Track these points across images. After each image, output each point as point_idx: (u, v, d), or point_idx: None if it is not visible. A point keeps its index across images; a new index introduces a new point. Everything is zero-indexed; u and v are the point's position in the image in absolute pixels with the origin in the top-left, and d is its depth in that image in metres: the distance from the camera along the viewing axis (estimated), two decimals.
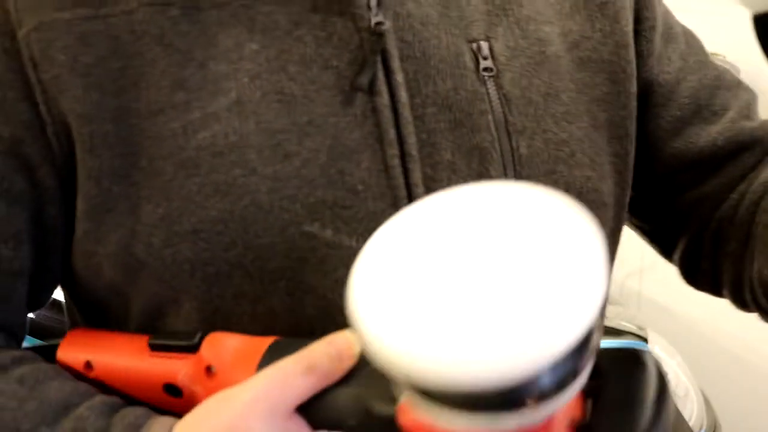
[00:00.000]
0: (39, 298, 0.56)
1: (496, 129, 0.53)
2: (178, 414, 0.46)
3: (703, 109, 0.63)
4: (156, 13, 0.49)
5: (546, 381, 0.34)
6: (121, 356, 0.52)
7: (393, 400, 0.41)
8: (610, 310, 1.66)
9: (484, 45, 0.54)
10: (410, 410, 0.40)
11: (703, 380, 1.67)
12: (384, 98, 0.50)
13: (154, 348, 0.50)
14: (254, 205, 0.48)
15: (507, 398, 0.34)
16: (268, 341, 0.47)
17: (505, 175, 0.53)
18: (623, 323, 1.60)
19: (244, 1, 0.50)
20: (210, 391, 0.46)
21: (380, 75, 0.50)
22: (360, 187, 0.49)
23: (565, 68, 0.57)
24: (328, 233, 0.49)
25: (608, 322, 1.59)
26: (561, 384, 0.34)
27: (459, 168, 0.52)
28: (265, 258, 0.49)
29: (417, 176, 0.51)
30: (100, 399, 0.48)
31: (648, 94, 0.62)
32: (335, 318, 0.48)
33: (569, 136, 0.55)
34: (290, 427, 0.43)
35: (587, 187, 0.56)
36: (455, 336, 0.33)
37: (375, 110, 0.50)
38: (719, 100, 0.63)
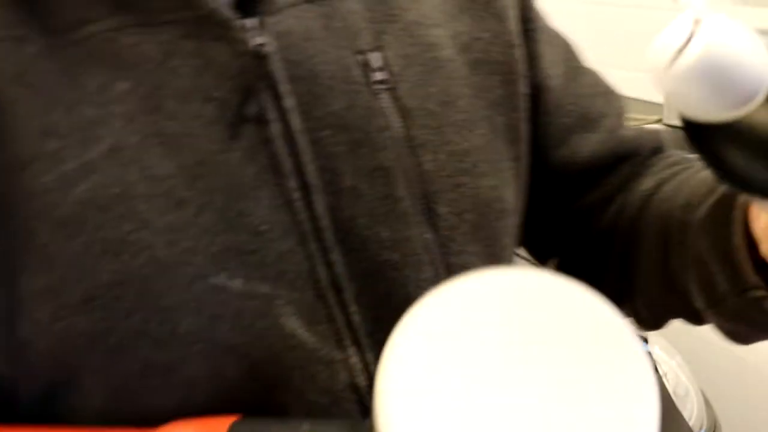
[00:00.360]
0: None
1: (397, 146, 0.50)
2: None
3: (584, 117, 0.62)
4: (11, 49, 0.44)
5: None
6: None
7: None
8: None
9: (375, 56, 0.51)
10: None
11: (703, 380, 1.67)
12: (275, 127, 0.47)
13: None
14: (152, 262, 0.44)
15: None
16: (223, 429, 0.41)
17: (410, 194, 0.50)
18: None
19: (105, 35, 0.45)
20: None
21: (268, 102, 0.47)
22: (263, 228, 0.46)
23: (459, 72, 0.55)
24: (238, 283, 0.45)
25: None
26: None
27: (363, 192, 0.49)
28: (173, 321, 0.44)
29: (321, 207, 0.48)
30: None
31: (537, 98, 0.61)
32: (260, 380, 0.45)
33: (471, 146, 0.54)
34: None
35: (492, 197, 0.55)
36: None
37: (267, 141, 0.47)
38: (597, 107, 0.63)
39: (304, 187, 0.47)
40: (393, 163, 0.50)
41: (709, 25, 0.31)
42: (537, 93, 0.61)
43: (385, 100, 0.51)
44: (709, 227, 0.48)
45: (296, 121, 0.47)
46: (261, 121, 0.47)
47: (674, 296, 0.55)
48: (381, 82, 0.51)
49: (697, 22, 0.31)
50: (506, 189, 0.56)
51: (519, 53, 0.58)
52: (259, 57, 0.46)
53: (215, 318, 0.45)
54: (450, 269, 0.51)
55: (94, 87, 0.45)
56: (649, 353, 1.57)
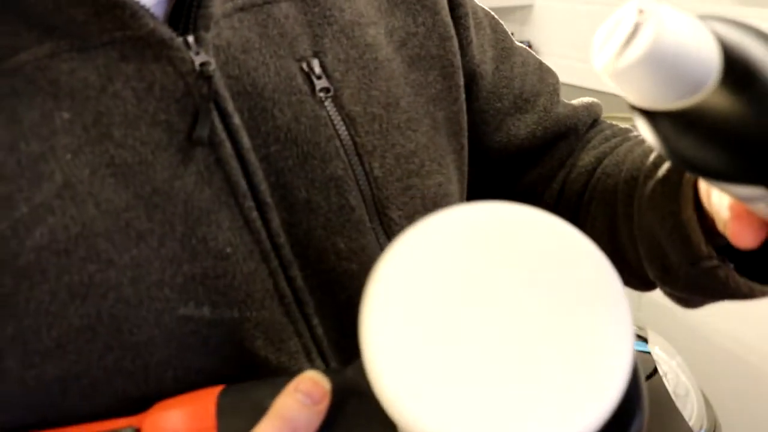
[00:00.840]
0: None
1: (346, 154, 0.49)
2: None
3: (518, 99, 0.62)
4: None
5: None
6: None
7: None
8: None
9: (314, 62, 0.49)
10: None
11: (703, 380, 1.67)
12: (227, 147, 0.45)
13: None
14: (120, 301, 0.42)
15: None
16: (211, 401, 0.42)
17: (363, 202, 0.50)
18: None
19: (38, 63, 0.41)
20: None
21: (217, 122, 0.45)
22: (228, 250, 0.45)
23: (398, 71, 0.54)
24: (206, 311, 0.44)
25: None
26: None
27: (317, 205, 0.48)
28: (146, 354, 0.43)
29: (275, 225, 0.47)
30: None
31: (470, 85, 0.60)
32: None
33: (416, 146, 0.53)
34: None
35: (440, 194, 0.54)
36: (494, 418, 0.32)
37: (220, 162, 0.45)
38: (529, 87, 0.63)
39: (260, 206, 0.46)
40: (344, 173, 0.49)
41: (655, 16, 0.31)
42: (470, 80, 0.60)
43: (329, 108, 0.49)
44: (658, 202, 0.48)
45: (245, 140, 0.46)
46: (212, 142, 0.45)
47: (625, 266, 0.55)
48: (323, 90, 0.49)
49: (641, 12, 0.31)
50: (451, 184, 0.56)
51: (454, 44, 0.57)
52: (204, 77, 0.44)
53: (185, 347, 0.44)
54: None
55: (34, 120, 0.41)
56: (649, 353, 1.57)
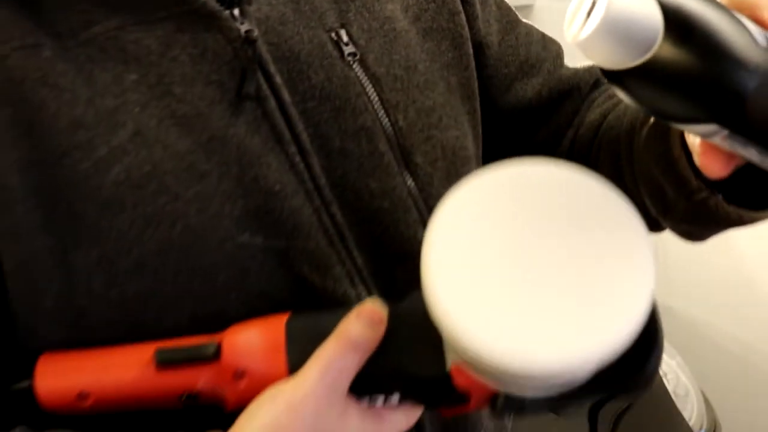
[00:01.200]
0: None
1: (374, 108, 0.56)
2: (196, 410, 0.48)
3: (524, 65, 0.69)
4: (30, 55, 0.48)
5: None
6: (123, 381, 0.48)
7: (438, 362, 0.46)
8: None
9: (342, 32, 0.57)
10: (465, 372, 0.45)
11: (703, 380, 1.67)
12: (271, 102, 0.52)
13: (163, 364, 0.48)
14: (188, 229, 0.49)
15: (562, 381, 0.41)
16: (280, 325, 0.48)
17: (390, 149, 0.56)
18: None
19: (108, 34, 0.49)
20: (241, 393, 0.47)
21: (261, 80, 0.52)
22: (277, 188, 0.51)
23: (414, 41, 0.61)
24: (259, 240, 0.51)
25: None
26: None
27: (350, 151, 0.55)
28: (212, 276, 0.49)
29: (316, 169, 0.53)
30: None
31: (478, 55, 0.67)
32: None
33: (434, 103, 0.60)
34: (347, 409, 0.46)
35: (458, 146, 0.61)
36: (542, 337, 0.38)
37: (266, 115, 0.52)
38: (534, 54, 0.70)
39: (302, 152, 0.53)
40: (372, 124, 0.56)
41: None
42: (477, 51, 0.67)
43: (357, 69, 0.56)
44: (651, 145, 0.54)
45: (286, 96, 0.53)
46: (259, 97, 0.52)
47: None
48: (350, 54, 0.57)
49: None
50: (467, 139, 0.63)
51: (462, 18, 0.64)
52: (249, 42, 0.51)
53: (245, 271, 0.50)
54: (431, 210, 0.58)
55: (107, 81, 0.49)
56: None
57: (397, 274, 0.56)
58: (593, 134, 0.66)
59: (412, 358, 0.47)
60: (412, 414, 0.50)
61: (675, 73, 0.37)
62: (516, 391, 0.45)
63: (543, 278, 0.40)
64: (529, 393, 0.45)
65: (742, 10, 0.39)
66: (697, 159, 0.46)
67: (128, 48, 0.49)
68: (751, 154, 0.41)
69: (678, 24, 0.37)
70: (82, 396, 0.48)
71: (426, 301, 0.41)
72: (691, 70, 0.37)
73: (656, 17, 0.37)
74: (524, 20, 0.72)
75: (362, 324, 0.46)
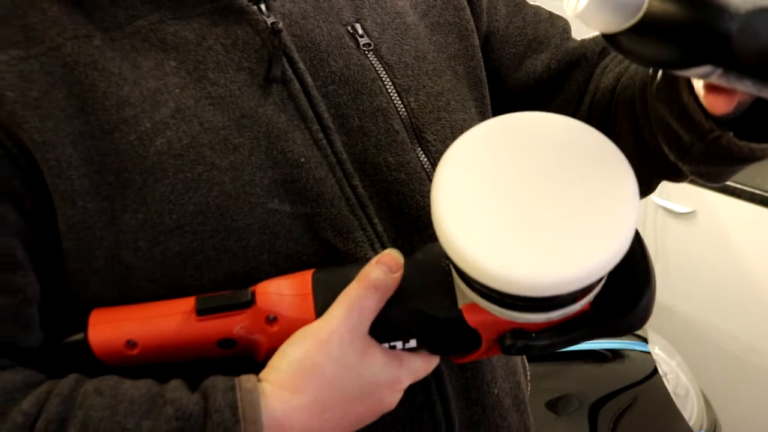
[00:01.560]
0: (48, 323, 0.57)
1: (388, 92, 0.62)
2: (233, 360, 0.53)
3: (532, 42, 0.74)
4: (82, 44, 0.54)
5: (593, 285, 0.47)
6: (167, 329, 0.53)
7: (450, 303, 0.52)
8: None
9: (357, 26, 0.63)
10: (475, 310, 0.51)
11: (703, 380, 1.67)
12: (296, 85, 0.58)
13: (203, 313, 0.52)
14: (223, 194, 0.54)
15: (557, 301, 0.47)
16: (307, 276, 0.54)
17: (404, 127, 0.62)
18: None
19: (150, 26, 0.56)
20: (273, 336, 0.52)
21: (287, 66, 0.58)
22: (302, 160, 0.57)
23: (423, 33, 0.67)
24: (287, 207, 0.56)
25: None
26: (587, 290, 0.48)
27: (369, 129, 0.60)
28: (245, 237, 0.55)
29: (338, 145, 0.58)
30: (176, 381, 0.51)
31: (488, 42, 0.73)
32: None
33: (442, 88, 0.66)
34: (369, 348, 0.52)
35: (465, 127, 0.64)
36: (540, 256, 0.44)
37: (291, 96, 0.58)
38: (542, 31, 0.75)
39: (324, 130, 0.58)
40: (387, 105, 0.61)
41: None
42: (486, 37, 0.73)
43: (372, 58, 0.62)
44: (663, 95, 0.59)
45: (309, 80, 0.58)
46: (285, 81, 0.58)
47: (652, 159, 0.67)
48: (366, 45, 0.63)
49: None
50: (474, 122, 0.66)
51: (467, 12, 0.70)
52: (274, 32, 0.57)
53: (275, 234, 0.55)
54: None
55: (150, 66, 0.55)
56: (649, 353, 1.57)
57: (414, 242, 0.61)
58: (609, 97, 0.71)
59: (427, 301, 0.52)
60: (429, 360, 0.55)
61: (665, 25, 0.42)
62: (520, 319, 0.49)
63: (540, 208, 0.46)
64: (532, 319, 0.49)
65: None
66: (704, 100, 0.52)
67: (168, 39, 0.56)
68: (747, 86, 0.45)
69: None
70: (130, 344, 0.53)
71: (436, 231, 0.46)
72: (678, 20, 0.42)
73: None
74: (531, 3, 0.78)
75: (382, 269, 0.52)
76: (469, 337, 0.52)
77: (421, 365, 0.54)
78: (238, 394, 0.49)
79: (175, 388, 0.50)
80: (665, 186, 2.03)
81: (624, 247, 0.45)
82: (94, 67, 0.54)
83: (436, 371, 0.59)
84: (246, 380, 0.50)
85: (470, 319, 0.51)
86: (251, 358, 0.54)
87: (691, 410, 1.54)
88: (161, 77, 0.55)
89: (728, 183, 1.75)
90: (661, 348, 1.64)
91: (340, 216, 0.58)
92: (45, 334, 0.55)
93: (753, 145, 0.55)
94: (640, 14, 0.42)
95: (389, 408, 0.54)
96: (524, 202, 0.46)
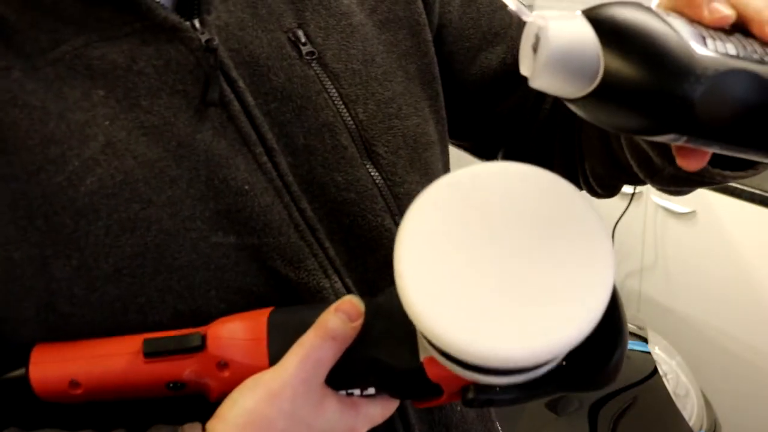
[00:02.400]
0: None
1: (334, 104, 0.58)
2: (181, 400, 0.50)
3: (487, 35, 0.70)
4: (0, 78, 0.50)
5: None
6: (112, 370, 0.50)
7: (411, 355, 0.49)
8: None
9: (299, 32, 0.59)
10: (437, 364, 0.48)
11: (703, 380, 1.67)
12: (236, 105, 0.54)
13: (151, 356, 0.50)
14: (162, 232, 0.51)
15: (524, 369, 0.44)
16: (263, 318, 0.51)
17: (353, 141, 0.59)
18: None
19: (75, 51, 0.51)
20: (224, 381, 0.50)
21: (225, 86, 0.54)
22: (246, 188, 0.53)
23: (371, 33, 0.63)
24: (233, 238, 0.53)
25: None
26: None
27: (314, 148, 0.57)
28: (189, 276, 0.52)
29: (284, 167, 0.55)
30: None
31: (440, 35, 0.69)
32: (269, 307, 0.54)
33: (393, 93, 0.62)
34: (324, 399, 0.49)
35: (419, 133, 0.63)
36: (506, 329, 0.41)
37: (231, 118, 0.54)
38: (498, 22, 0.71)
39: (269, 152, 0.55)
40: (334, 119, 0.58)
41: (545, 29, 0.39)
42: (438, 30, 0.69)
43: (316, 67, 0.58)
44: None
45: (250, 99, 0.55)
46: (223, 102, 0.54)
47: (619, 171, 0.65)
48: (309, 54, 0.59)
49: (538, 26, 0.40)
50: (428, 125, 0.64)
51: (419, 6, 0.66)
52: (210, 50, 0.53)
53: (221, 269, 0.52)
54: (397, 198, 0.60)
55: (77, 96, 0.51)
56: (649, 353, 1.57)
57: (369, 264, 0.58)
58: None
59: (387, 351, 0.49)
60: (388, 406, 0.52)
61: (622, 93, 0.39)
62: (483, 381, 0.47)
63: (506, 274, 0.43)
64: (495, 382, 0.47)
65: (677, 9, 0.42)
66: (675, 157, 0.48)
67: (94, 64, 0.51)
68: (717, 148, 0.42)
69: (615, 52, 0.39)
70: (73, 384, 0.50)
71: (399, 296, 0.43)
72: (637, 89, 0.39)
73: (595, 45, 0.39)
74: None
75: (340, 317, 0.49)
76: (430, 389, 0.49)
77: (380, 412, 0.52)
78: None
79: None
80: None
81: (595, 321, 0.42)
82: (14, 104, 0.49)
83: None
84: (190, 430, 0.48)
85: (431, 373, 0.48)
86: (202, 397, 0.52)
87: (691, 410, 1.54)
88: (89, 108, 0.51)
89: (728, 183, 1.75)
90: (661, 348, 1.64)
91: (289, 244, 0.54)
92: None
93: (726, 173, 0.53)
94: (597, 81, 0.39)
95: None
96: (491, 266, 0.43)
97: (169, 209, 0.51)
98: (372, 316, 0.50)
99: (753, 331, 1.82)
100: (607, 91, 0.39)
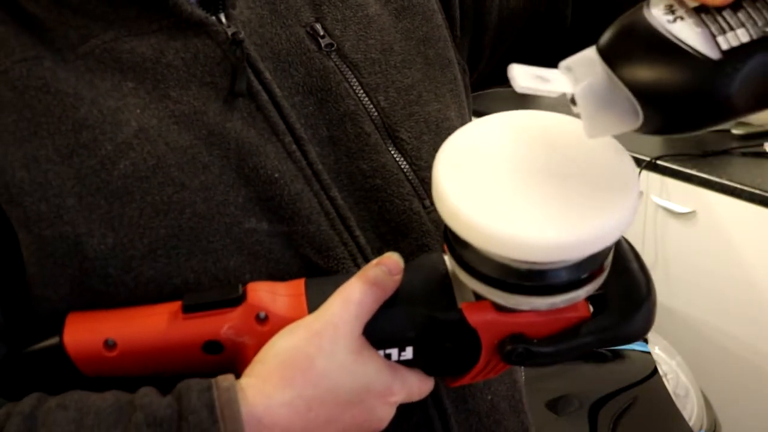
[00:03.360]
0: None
1: (355, 93, 0.60)
2: (219, 373, 0.49)
3: None
4: (31, 66, 0.51)
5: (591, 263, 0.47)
6: (149, 328, 0.50)
7: (449, 303, 0.51)
8: None
9: (317, 26, 0.60)
10: (474, 308, 0.50)
11: (703, 380, 1.67)
12: (263, 96, 0.55)
13: (190, 310, 0.50)
14: (196, 215, 0.52)
15: (560, 280, 0.47)
16: (300, 282, 0.52)
17: (376, 129, 0.60)
18: None
19: (104, 45, 0.52)
20: (262, 337, 0.49)
21: (253, 77, 0.55)
22: (276, 175, 0.54)
23: (387, 23, 0.64)
24: (265, 225, 0.54)
25: None
26: (589, 277, 0.48)
27: (338, 138, 0.58)
28: (224, 259, 0.52)
29: (313, 156, 0.56)
30: (147, 388, 0.48)
31: (454, 16, 0.71)
32: None
33: (412, 80, 0.63)
34: (364, 349, 0.49)
35: (440, 118, 0.64)
36: (545, 219, 0.44)
37: (259, 108, 0.55)
38: None
39: (298, 141, 0.56)
40: (355, 107, 0.59)
41: (576, 73, 0.44)
42: (452, 13, 0.70)
43: (335, 59, 0.60)
44: None
45: (277, 90, 0.56)
46: (251, 93, 0.55)
47: None
48: (327, 46, 0.60)
49: (568, 69, 0.44)
50: (449, 110, 0.65)
51: None
52: (236, 42, 0.54)
53: (254, 254, 0.53)
54: (423, 182, 0.60)
55: (107, 87, 0.52)
56: (649, 353, 1.57)
57: (401, 249, 0.57)
58: None
59: (425, 302, 0.51)
60: (424, 380, 0.52)
61: (670, 120, 0.43)
62: (522, 304, 0.48)
63: (540, 179, 0.46)
64: (533, 303, 0.48)
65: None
66: None
67: (124, 57, 0.52)
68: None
69: (644, 100, 0.42)
70: (109, 345, 0.49)
71: (438, 206, 0.47)
72: (678, 112, 0.42)
73: (624, 95, 0.42)
74: None
75: (382, 269, 0.50)
76: (469, 344, 0.50)
77: (416, 382, 0.52)
78: (215, 393, 0.46)
79: (145, 394, 0.47)
80: (665, 186, 2.03)
81: (629, 216, 0.45)
82: (46, 90, 0.51)
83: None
84: (223, 379, 0.47)
85: (470, 317, 0.50)
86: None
87: (691, 410, 1.54)
88: (120, 98, 0.52)
89: (728, 183, 1.75)
90: (661, 348, 1.64)
91: (319, 232, 0.55)
92: (8, 347, 0.52)
93: None
94: (640, 117, 0.42)
95: (379, 425, 0.51)
96: (526, 175, 0.46)
97: (203, 194, 0.52)
98: (409, 274, 0.52)
99: (753, 331, 1.82)
100: (655, 120, 0.42)
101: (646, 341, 1.60)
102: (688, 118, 0.42)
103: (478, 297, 0.51)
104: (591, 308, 0.51)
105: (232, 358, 0.50)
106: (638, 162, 1.94)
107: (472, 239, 0.45)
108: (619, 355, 1.53)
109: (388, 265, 0.51)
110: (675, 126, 0.43)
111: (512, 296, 0.48)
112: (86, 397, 0.47)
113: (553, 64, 0.58)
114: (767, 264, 1.76)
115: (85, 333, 0.50)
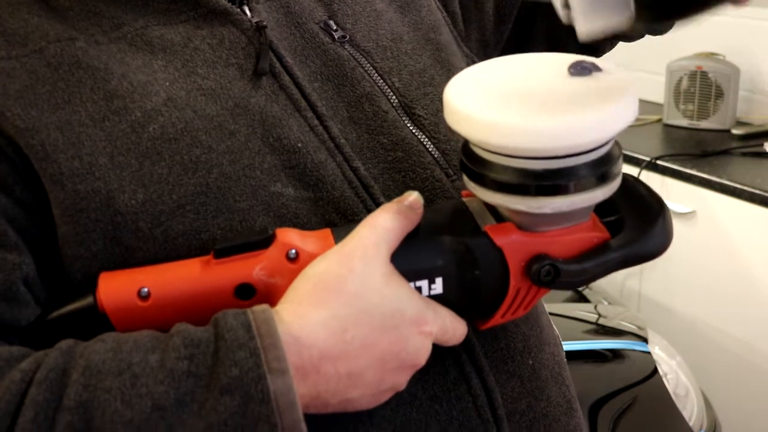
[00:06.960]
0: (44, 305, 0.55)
1: (370, 76, 0.63)
2: None
3: None
4: (65, 47, 0.55)
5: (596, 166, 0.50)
6: (182, 275, 0.51)
7: (474, 228, 0.53)
8: (610, 310, 1.66)
9: (330, 22, 0.65)
10: (498, 229, 0.52)
11: (703, 380, 1.67)
12: (286, 76, 0.59)
13: (221, 254, 0.51)
14: (223, 176, 0.54)
15: (576, 175, 0.49)
16: (326, 229, 0.54)
17: (393, 107, 0.63)
18: (623, 323, 1.60)
19: (136, 32, 0.57)
20: (293, 275, 0.50)
21: (275, 60, 0.59)
22: (299, 145, 0.57)
23: (395, 17, 0.69)
24: (291, 190, 0.56)
25: (608, 322, 1.59)
26: (602, 177, 0.50)
27: (357, 118, 0.62)
28: (250, 218, 0.54)
29: (335, 130, 0.59)
30: (182, 324, 0.49)
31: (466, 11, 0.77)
32: None
33: (424, 65, 0.67)
34: (393, 276, 0.50)
35: None
36: (555, 112, 0.48)
37: (282, 87, 0.59)
38: None
39: (319, 117, 0.59)
40: (371, 88, 0.63)
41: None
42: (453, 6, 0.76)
43: (349, 48, 0.64)
44: None
45: (298, 73, 0.60)
46: (273, 73, 0.59)
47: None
48: (341, 38, 0.64)
49: None
50: None
51: None
52: (261, 28, 0.59)
53: (280, 217, 0.55)
54: (444, 153, 0.64)
55: (138, 64, 0.56)
56: (649, 353, 1.57)
57: None
58: None
59: (451, 229, 0.53)
60: (457, 319, 0.53)
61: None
62: (544, 206, 0.50)
63: (545, 86, 0.50)
64: (554, 203, 0.50)
65: None
66: None
67: (154, 41, 0.57)
68: None
69: None
70: (142, 295, 0.50)
71: (450, 120, 0.51)
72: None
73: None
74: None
75: (407, 204, 0.52)
76: (496, 270, 0.52)
77: (448, 316, 0.52)
78: (250, 315, 0.47)
79: (181, 324, 0.48)
80: (665, 186, 2.02)
81: (632, 109, 0.48)
82: (78, 65, 0.54)
83: (467, 343, 0.57)
84: (258, 306, 0.48)
85: (496, 238, 0.51)
86: None
87: (691, 410, 1.53)
88: (150, 73, 0.56)
89: (728, 183, 1.75)
90: (661, 348, 1.64)
91: (344, 198, 0.57)
92: (43, 309, 0.53)
93: None
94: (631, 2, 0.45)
95: (416, 358, 0.51)
96: (532, 85, 0.51)
97: (229, 156, 0.55)
98: (431, 212, 0.55)
99: (753, 331, 1.82)
100: (646, 2, 0.45)
101: (645, 341, 1.59)
102: None
103: (500, 221, 0.54)
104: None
105: (262, 301, 0.51)
106: (638, 162, 1.94)
107: (490, 139, 0.48)
108: (619, 355, 1.53)
109: (409, 200, 0.53)
110: (666, 8, 0.45)
111: (534, 199, 0.49)
112: (123, 334, 0.48)
113: (558, 48, 0.61)
114: (767, 264, 1.76)
115: (118, 285, 0.51)
